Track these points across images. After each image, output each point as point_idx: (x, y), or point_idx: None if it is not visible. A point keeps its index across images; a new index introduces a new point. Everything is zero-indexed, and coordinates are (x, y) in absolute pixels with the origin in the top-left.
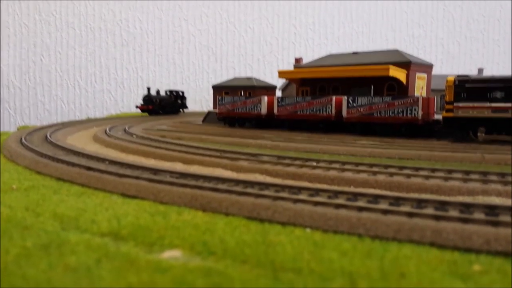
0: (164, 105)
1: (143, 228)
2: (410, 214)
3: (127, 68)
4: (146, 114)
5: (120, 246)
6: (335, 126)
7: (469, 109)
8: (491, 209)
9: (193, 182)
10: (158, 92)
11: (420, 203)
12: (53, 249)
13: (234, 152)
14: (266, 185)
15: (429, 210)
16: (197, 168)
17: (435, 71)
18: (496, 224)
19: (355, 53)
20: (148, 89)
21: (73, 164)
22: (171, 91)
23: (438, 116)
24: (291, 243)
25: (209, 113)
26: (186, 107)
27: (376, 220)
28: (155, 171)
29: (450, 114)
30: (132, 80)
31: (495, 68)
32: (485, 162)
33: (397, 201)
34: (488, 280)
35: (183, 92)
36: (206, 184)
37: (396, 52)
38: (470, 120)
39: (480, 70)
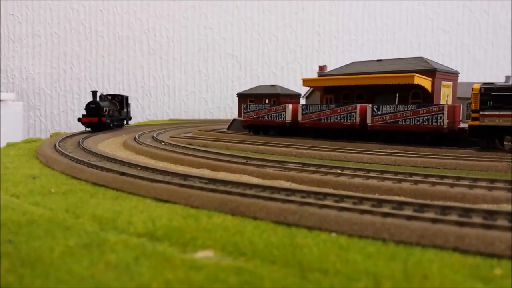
0: (112, 115)
1: (176, 230)
2: (434, 220)
3: (153, 76)
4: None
5: (156, 246)
6: (359, 134)
7: (495, 117)
8: None
9: (222, 188)
10: (102, 97)
11: (444, 210)
12: (94, 247)
13: (260, 159)
14: (293, 191)
15: (453, 217)
16: (224, 174)
17: (461, 78)
18: None
19: (379, 61)
20: (94, 93)
21: (107, 170)
22: (113, 96)
23: (464, 125)
24: (317, 245)
25: (234, 120)
26: (130, 117)
27: (400, 225)
28: (185, 176)
29: (476, 123)
30: (158, 88)
31: None
32: (511, 172)
33: (421, 207)
34: (509, 283)
35: (127, 98)
36: (235, 190)
37: (421, 59)
38: (496, 129)
39: (508, 78)
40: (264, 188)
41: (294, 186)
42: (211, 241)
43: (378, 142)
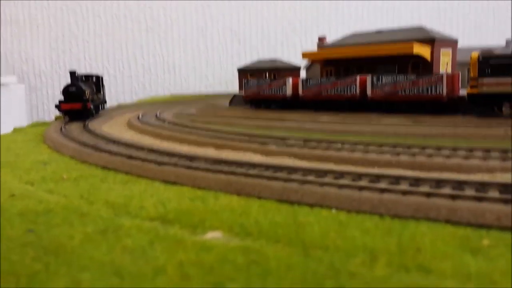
0: (92, 100)
1: (185, 212)
2: (428, 194)
3: (153, 54)
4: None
5: (168, 229)
6: (359, 105)
7: (493, 85)
8: (505, 188)
9: (226, 168)
10: (80, 78)
11: (439, 183)
12: (110, 233)
13: (262, 136)
14: (294, 169)
15: (446, 190)
16: (228, 153)
17: (462, 43)
18: (507, 201)
19: (379, 32)
20: (73, 74)
21: (116, 153)
22: (87, 77)
23: (464, 92)
24: (318, 223)
25: (235, 96)
26: (105, 101)
27: (396, 200)
28: (191, 158)
29: (475, 91)
30: (158, 66)
31: None
32: (509, 138)
33: (417, 181)
34: (496, 253)
35: (102, 78)
36: (239, 170)
37: (420, 28)
38: (495, 96)
39: (508, 42)
40: (267, 167)
41: (296, 162)
42: (218, 223)
43: (379, 113)
